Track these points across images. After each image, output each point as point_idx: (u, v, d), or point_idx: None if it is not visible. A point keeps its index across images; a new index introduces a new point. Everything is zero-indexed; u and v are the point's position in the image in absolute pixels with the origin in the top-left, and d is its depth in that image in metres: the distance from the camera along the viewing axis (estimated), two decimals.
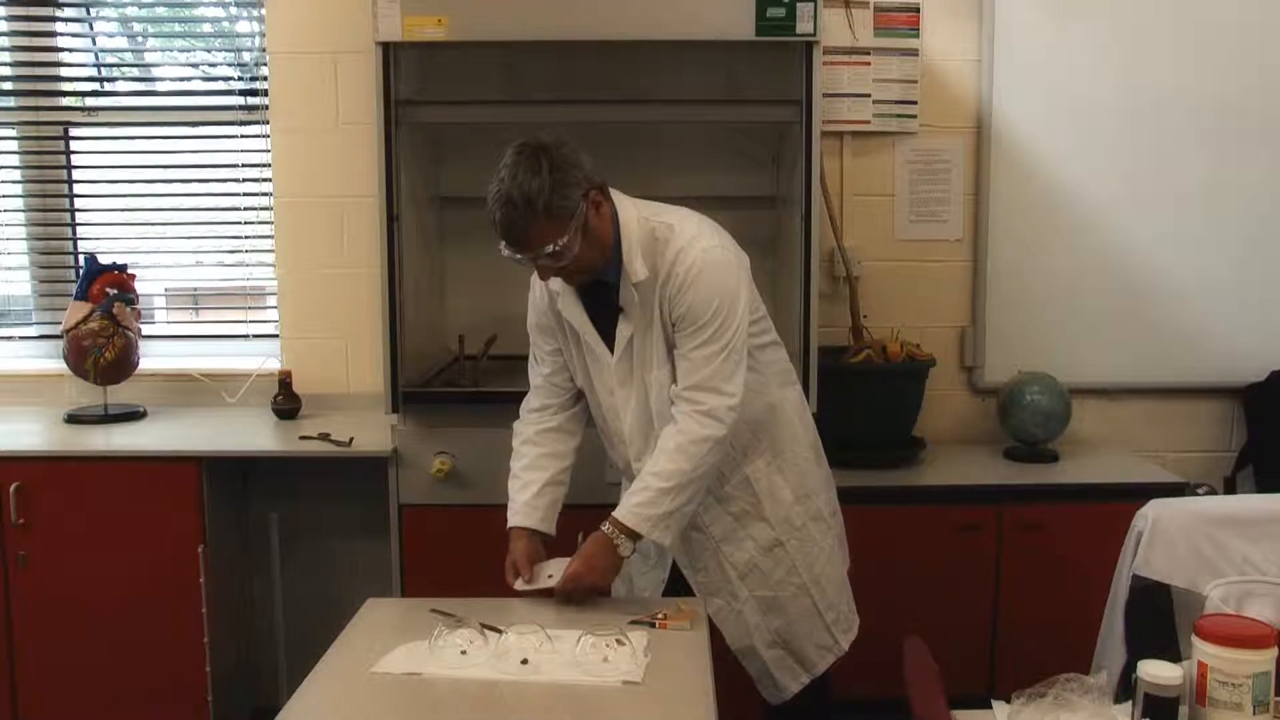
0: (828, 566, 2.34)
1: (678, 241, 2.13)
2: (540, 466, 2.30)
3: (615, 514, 2.11)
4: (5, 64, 3.51)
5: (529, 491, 2.28)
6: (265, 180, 3.43)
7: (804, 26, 2.66)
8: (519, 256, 2.07)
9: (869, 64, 3.28)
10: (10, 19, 3.49)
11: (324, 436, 3.00)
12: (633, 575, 2.37)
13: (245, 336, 3.56)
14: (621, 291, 2.14)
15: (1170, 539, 2.03)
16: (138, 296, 3.29)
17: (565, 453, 2.34)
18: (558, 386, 2.33)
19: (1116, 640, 2.06)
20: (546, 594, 2.16)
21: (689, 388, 2.10)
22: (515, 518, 2.27)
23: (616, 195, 2.16)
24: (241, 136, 3.45)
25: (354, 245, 3.35)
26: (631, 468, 2.26)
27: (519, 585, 2.19)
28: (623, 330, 2.17)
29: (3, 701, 2.92)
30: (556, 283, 2.18)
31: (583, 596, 2.11)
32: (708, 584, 2.31)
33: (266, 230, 3.46)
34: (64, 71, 3.53)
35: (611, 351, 2.19)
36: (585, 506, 2.81)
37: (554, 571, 2.17)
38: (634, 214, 2.15)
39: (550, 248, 2.02)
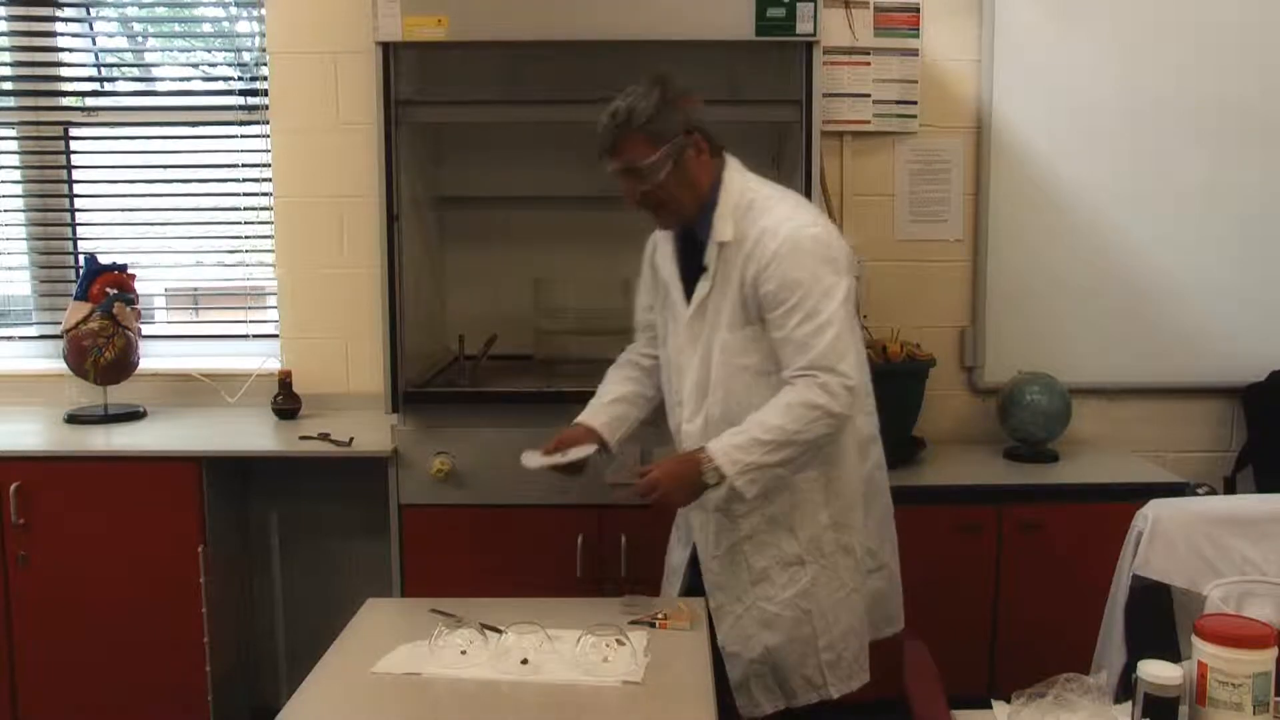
0: (842, 606, 2.23)
1: (767, 218, 2.13)
2: (619, 382, 2.42)
3: (710, 444, 2.08)
4: (5, 64, 3.51)
5: (602, 399, 2.40)
6: (265, 180, 3.43)
7: (804, 26, 2.66)
8: (609, 168, 2.16)
9: (869, 64, 3.28)
10: (10, 19, 3.49)
11: (324, 436, 3.00)
12: (670, 546, 2.40)
13: (245, 336, 3.56)
14: (707, 249, 2.17)
15: (1170, 539, 2.03)
16: (138, 296, 3.29)
17: (648, 387, 2.41)
18: (651, 340, 2.42)
19: (1116, 640, 2.06)
20: (566, 471, 2.25)
21: (802, 366, 2.07)
22: (581, 415, 2.36)
23: (733, 161, 2.21)
24: (241, 136, 3.45)
25: (354, 245, 3.35)
26: (681, 430, 2.26)
27: (526, 459, 2.26)
28: (700, 287, 2.19)
29: (3, 701, 2.92)
30: (660, 234, 2.29)
31: (660, 503, 2.12)
32: (719, 577, 2.27)
33: (266, 230, 3.46)
34: (64, 71, 3.53)
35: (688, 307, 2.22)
36: (585, 506, 2.83)
37: (580, 455, 2.23)
38: (739, 181, 2.18)
39: (637, 163, 2.09)
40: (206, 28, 3.61)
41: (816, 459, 2.17)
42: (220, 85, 3.49)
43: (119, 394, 3.30)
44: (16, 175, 3.54)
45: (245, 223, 3.51)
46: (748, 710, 2.27)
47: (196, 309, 3.77)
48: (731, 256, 2.15)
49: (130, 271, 3.28)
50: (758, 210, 2.15)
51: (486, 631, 1.94)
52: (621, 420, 2.39)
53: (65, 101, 3.53)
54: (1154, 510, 2.07)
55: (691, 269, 2.23)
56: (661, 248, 2.30)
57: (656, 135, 2.10)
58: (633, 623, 2.06)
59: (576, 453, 2.24)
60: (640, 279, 2.44)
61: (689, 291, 2.22)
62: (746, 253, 2.13)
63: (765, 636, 2.23)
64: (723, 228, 2.14)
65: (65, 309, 3.26)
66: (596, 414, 2.38)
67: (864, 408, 2.25)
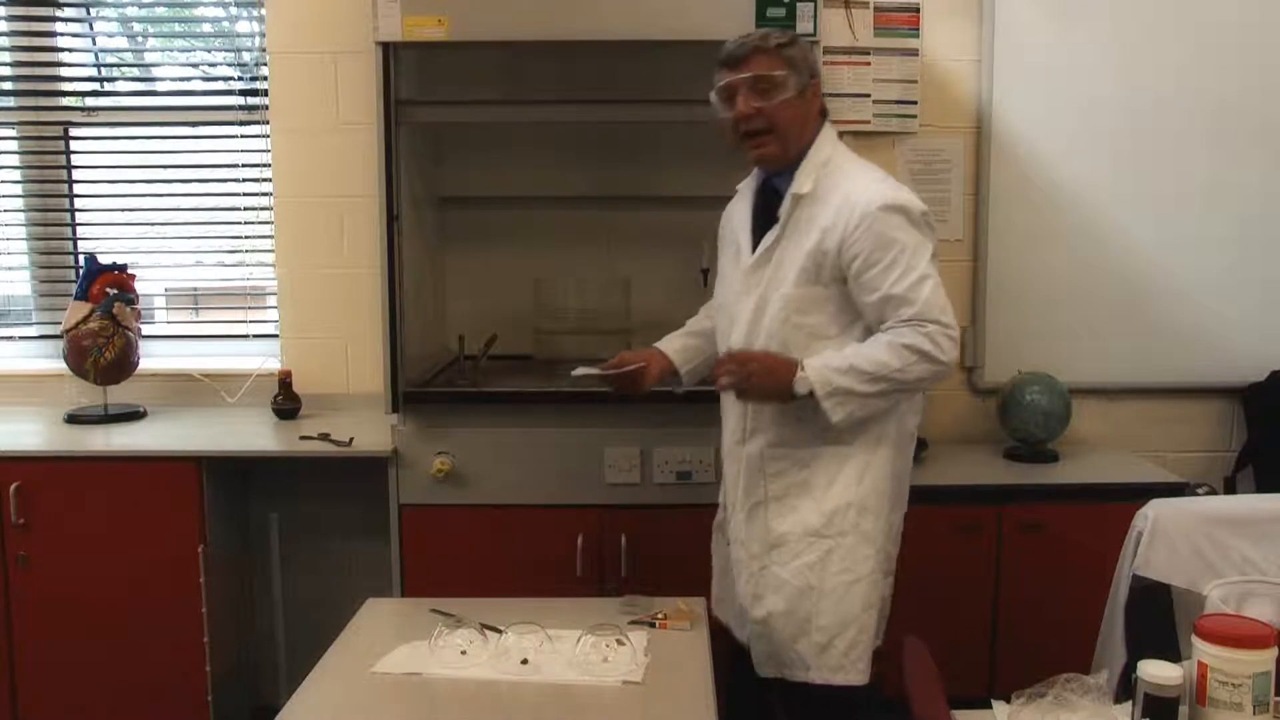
0: (846, 592, 2.16)
1: (850, 183, 2.15)
2: (696, 320, 2.54)
3: (807, 361, 2.10)
4: (5, 64, 3.51)
5: (678, 332, 2.52)
6: (265, 180, 3.43)
7: (804, 26, 2.66)
8: (728, 79, 2.17)
9: (869, 64, 3.28)
10: (10, 19, 3.49)
11: (324, 436, 3.00)
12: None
13: (245, 336, 3.56)
14: (784, 200, 2.19)
15: (1170, 539, 2.03)
16: (138, 296, 3.29)
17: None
18: None
19: (1116, 640, 2.06)
20: (617, 384, 2.37)
21: (906, 318, 2.07)
22: (655, 343, 2.49)
23: (830, 127, 2.25)
24: (241, 136, 3.45)
25: (354, 245, 3.35)
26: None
27: (576, 371, 2.36)
28: (768, 237, 2.21)
29: (3, 701, 2.92)
30: (737, 194, 2.37)
31: (739, 385, 2.11)
32: (742, 532, 2.26)
33: (266, 230, 3.46)
34: (64, 71, 3.53)
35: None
36: (585, 506, 2.83)
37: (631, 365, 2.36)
38: (830, 144, 2.22)
39: (769, 72, 2.13)
40: (206, 28, 3.61)
41: (818, 425, 2.14)
42: (220, 85, 3.49)
43: (119, 394, 3.30)
44: (16, 175, 3.54)
45: (245, 223, 3.51)
46: (759, 669, 2.27)
47: (196, 309, 3.77)
48: (805, 212, 2.17)
49: (130, 271, 3.28)
50: (840, 174, 2.18)
51: (486, 631, 1.95)
52: (695, 352, 2.49)
53: (65, 101, 3.53)
54: (1154, 510, 2.07)
55: (763, 223, 2.25)
56: (736, 203, 2.37)
57: (789, 60, 2.16)
58: (633, 623, 2.06)
59: (585, 368, 2.36)
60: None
61: (756, 242, 2.25)
62: (829, 214, 2.13)
63: (771, 601, 2.21)
64: (803, 180, 2.17)
65: (65, 309, 3.26)
66: (670, 341, 2.50)
67: (914, 406, 2.27)
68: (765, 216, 2.24)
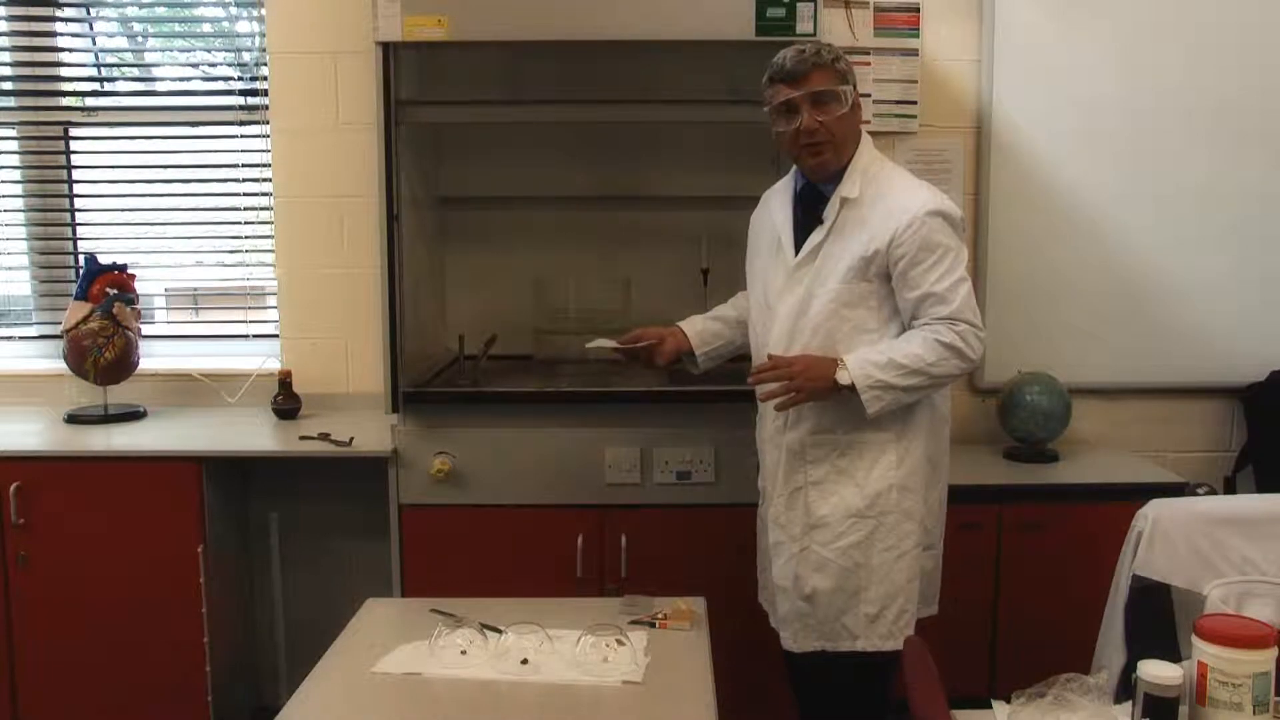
0: (893, 566, 2.29)
1: (896, 187, 2.29)
2: (723, 307, 2.64)
3: (846, 356, 2.23)
4: (5, 64, 3.51)
5: (703, 315, 2.63)
6: (265, 180, 3.43)
7: (804, 26, 2.66)
8: (787, 96, 2.26)
9: (869, 64, 3.27)
10: (10, 19, 3.49)
11: (324, 436, 3.00)
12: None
13: (245, 336, 3.56)
14: (829, 203, 2.30)
15: (1170, 539, 2.03)
16: (138, 296, 3.29)
17: (742, 322, 2.56)
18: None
19: (1116, 640, 2.07)
20: (629, 357, 2.54)
21: (942, 316, 2.22)
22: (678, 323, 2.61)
23: (868, 137, 2.37)
24: (241, 136, 3.45)
25: (354, 245, 3.35)
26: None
27: (591, 342, 2.55)
28: (814, 236, 2.31)
29: (3, 701, 2.92)
30: (774, 192, 2.47)
31: (789, 395, 2.22)
32: (781, 516, 2.36)
33: (266, 230, 3.46)
34: (64, 71, 3.53)
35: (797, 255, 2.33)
36: (585, 506, 2.83)
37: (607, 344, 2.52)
38: (871, 152, 2.36)
39: (829, 87, 2.25)
40: (206, 28, 3.61)
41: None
42: (220, 85, 3.49)
43: (119, 394, 3.30)
44: (16, 175, 3.54)
45: (245, 223, 3.51)
46: (789, 644, 2.37)
47: (196, 309, 3.77)
48: (852, 214, 2.29)
49: (130, 271, 3.28)
50: (883, 178, 2.31)
51: (486, 631, 1.95)
52: (714, 336, 2.60)
53: (65, 101, 3.53)
54: (1154, 510, 2.07)
55: (805, 223, 2.36)
56: (774, 202, 2.45)
57: (843, 74, 2.29)
58: (633, 623, 2.06)
59: (601, 341, 2.56)
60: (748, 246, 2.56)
61: (800, 242, 2.34)
62: (878, 216, 2.26)
63: (815, 579, 2.31)
64: (850, 185, 2.29)
65: (65, 309, 3.26)
66: (692, 322, 2.61)
67: (944, 392, 2.37)
68: (808, 217, 2.35)
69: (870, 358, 2.20)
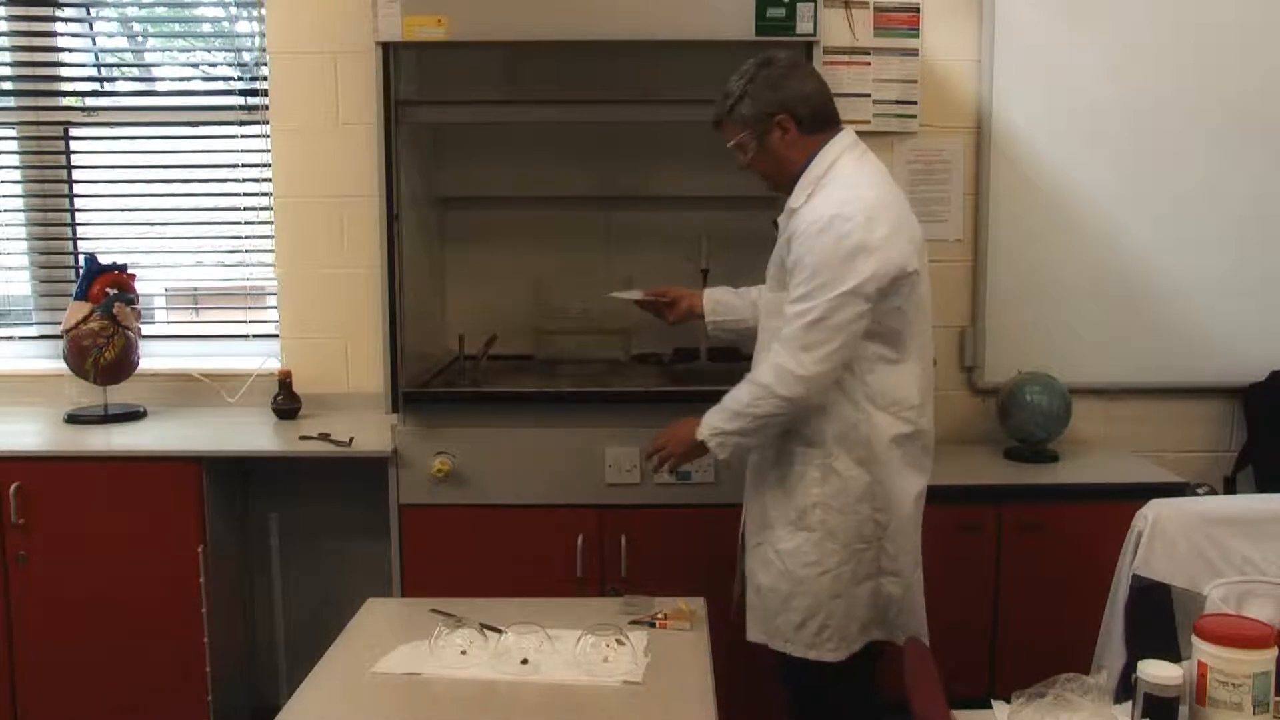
0: (815, 582, 2.27)
1: (822, 195, 2.23)
2: (750, 289, 2.63)
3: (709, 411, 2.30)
4: (5, 64, 3.51)
5: (729, 288, 2.68)
6: (265, 180, 3.43)
7: (804, 26, 2.66)
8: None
9: (869, 64, 3.28)
10: (10, 19, 3.48)
11: (324, 436, 3.00)
12: None
13: (245, 336, 3.56)
14: (784, 213, 2.32)
15: (1170, 539, 2.03)
16: (138, 296, 3.29)
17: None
18: None
19: (1116, 640, 2.06)
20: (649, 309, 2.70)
21: (780, 339, 2.21)
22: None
23: (840, 138, 2.30)
24: (241, 136, 3.45)
25: (354, 245, 3.35)
26: None
27: (614, 292, 2.73)
28: (777, 246, 2.36)
29: (3, 701, 2.92)
30: None
31: (664, 461, 2.39)
32: (751, 510, 2.42)
33: (266, 230, 3.46)
34: (64, 71, 3.53)
35: None
36: (585, 506, 2.83)
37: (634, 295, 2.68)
38: (832, 156, 2.27)
39: (729, 142, 2.32)
40: (206, 28, 3.61)
41: (794, 429, 2.28)
42: (220, 85, 3.49)
43: (119, 394, 3.30)
44: (16, 175, 3.54)
45: (245, 223, 3.51)
46: (748, 634, 2.39)
47: (196, 309, 3.77)
48: (793, 222, 2.28)
49: (130, 271, 3.28)
50: (829, 186, 2.24)
51: (486, 631, 1.95)
52: (727, 308, 2.64)
53: (65, 101, 3.53)
54: (1154, 510, 2.07)
55: None
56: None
57: (743, 120, 2.29)
58: (633, 623, 2.06)
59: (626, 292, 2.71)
60: None
61: None
62: (796, 223, 2.24)
63: (761, 575, 2.35)
64: (797, 194, 2.27)
65: (65, 309, 3.26)
66: (714, 291, 2.67)
67: (900, 414, 2.27)
68: None
69: (717, 408, 2.28)
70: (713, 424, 2.27)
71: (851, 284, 2.13)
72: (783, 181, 2.32)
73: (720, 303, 2.65)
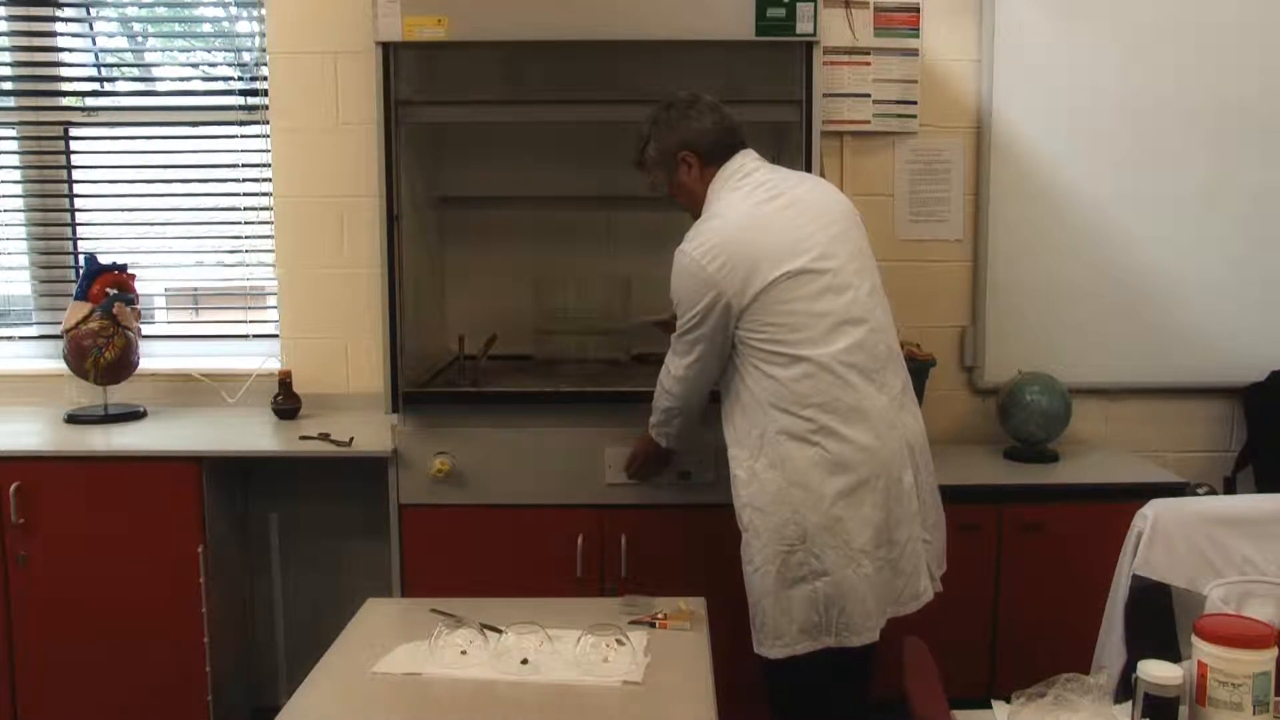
0: (751, 578, 2.34)
1: (694, 229, 2.40)
2: None
3: None
4: (5, 64, 3.51)
5: None
6: (265, 180, 3.43)
7: (804, 26, 2.66)
8: None
9: (869, 64, 3.28)
10: (10, 19, 3.49)
11: (324, 436, 3.00)
12: None
13: (245, 336, 3.56)
14: None
15: (1170, 539, 2.03)
16: (138, 296, 3.29)
17: None
18: None
19: (1116, 640, 2.06)
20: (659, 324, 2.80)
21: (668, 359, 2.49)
22: None
23: (725, 170, 2.42)
24: (241, 136, 3.45)
25: (354, 245, 3.35)
26: None
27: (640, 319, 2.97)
28: None
29: (3, 701, 2.92)
30: None
31: (632, 461, 2.75)
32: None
33: (266, 230, 3.46)
34: (64, 71, 3.53)
35: None
36: (585, 506, 2.83)
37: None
38: (714, 192, 2.42)
39: (646, 182, 2.55)
40: (206, 28, 3.61)
41: (729, 431, 2.41)
42: (220, 85, 3.49)
43: (119, 394, 3.30)
44: (16, 175, 3.54)
45: (245, 223, 3.51)
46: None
47: (196, 309, 3.77)
48: None
49: (130, 271, 3.28)
50: (700, 222, 2.41)
51: (486, 631, 1.95)
52: None
53: (65, 101, 3.53)
54: (1154, 510, 2.07)
55: None
56: None
57: (652, 162, 2.49)
58: (633, 623, 2.06)
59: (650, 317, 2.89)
60: None
61: None
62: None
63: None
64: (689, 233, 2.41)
65: (65, 309, 3.26)
66: None
67: (781, 406, 2.28)
68: None
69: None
70: (651, 420, 2.60)
71: (698, 308, 2.31)
72: (697, 213, 2.45)
73: None
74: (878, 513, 2.28)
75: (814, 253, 2.30)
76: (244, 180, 3.48)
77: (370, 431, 2.98)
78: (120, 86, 3.58)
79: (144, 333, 3.37)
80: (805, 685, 2.36)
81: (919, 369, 3.12)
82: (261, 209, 3.47)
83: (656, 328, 2.84)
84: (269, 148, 3.39)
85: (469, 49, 2.91)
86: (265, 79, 3.37)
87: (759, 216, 2.34)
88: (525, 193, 3.20)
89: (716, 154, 2.42)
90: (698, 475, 2.80)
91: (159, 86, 3.59)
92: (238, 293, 3.60)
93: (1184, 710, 1.54)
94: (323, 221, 3.37)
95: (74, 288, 3.27)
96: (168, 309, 3.73)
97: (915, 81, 3.30)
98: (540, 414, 2.84)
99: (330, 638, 2.06)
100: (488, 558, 2.83)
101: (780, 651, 2.31)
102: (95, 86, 3.54)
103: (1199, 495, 2.97)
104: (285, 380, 3.28)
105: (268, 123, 3.38)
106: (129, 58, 3.64)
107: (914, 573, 2.36)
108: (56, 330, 3.33)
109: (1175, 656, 1.75)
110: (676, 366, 2.44)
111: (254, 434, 3.12)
